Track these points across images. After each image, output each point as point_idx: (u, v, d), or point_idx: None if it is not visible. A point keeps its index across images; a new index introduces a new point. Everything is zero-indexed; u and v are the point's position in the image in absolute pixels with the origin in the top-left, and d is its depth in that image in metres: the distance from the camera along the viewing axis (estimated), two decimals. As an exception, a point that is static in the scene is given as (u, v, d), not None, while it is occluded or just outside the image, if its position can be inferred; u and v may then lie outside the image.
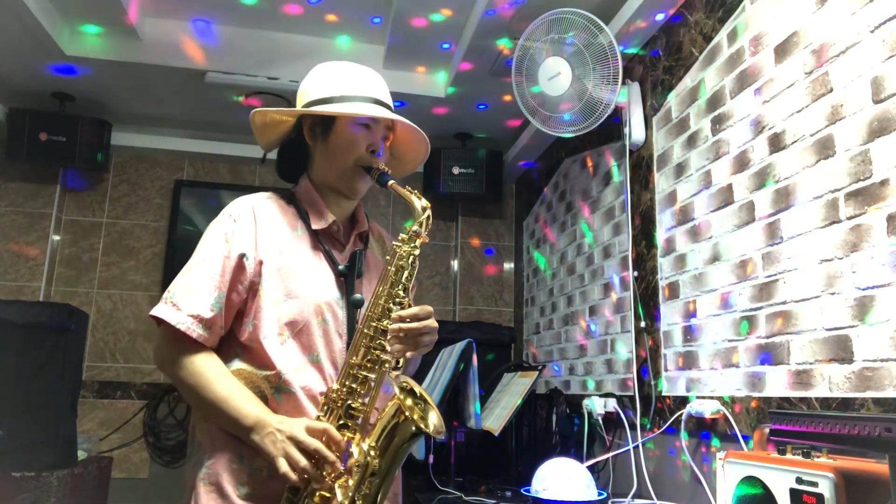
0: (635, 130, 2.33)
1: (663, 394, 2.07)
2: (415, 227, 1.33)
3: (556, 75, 2.23)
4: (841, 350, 1.38)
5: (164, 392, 3.54)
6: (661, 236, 2.18)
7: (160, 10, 2.80)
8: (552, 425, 2.60)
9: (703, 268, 1.92)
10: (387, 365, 1.26)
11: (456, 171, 3.58)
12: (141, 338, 3.60)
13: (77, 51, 2.80)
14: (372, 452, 1.21)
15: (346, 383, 1.25)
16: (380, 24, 2.84)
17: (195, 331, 1.26)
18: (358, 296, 1.37)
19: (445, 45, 2.84)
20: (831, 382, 1.40)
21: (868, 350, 1.31)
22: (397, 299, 1.29)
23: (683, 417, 1.87)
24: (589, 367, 2.68)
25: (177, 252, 3.64)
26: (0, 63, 2.91)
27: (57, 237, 3.59)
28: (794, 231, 1.55)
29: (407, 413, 1.20)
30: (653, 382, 2.13)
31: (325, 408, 1.26)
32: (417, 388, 1.24)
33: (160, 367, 1.35)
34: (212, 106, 3.30)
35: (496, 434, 2.35)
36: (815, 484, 1.06)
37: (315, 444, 1.17)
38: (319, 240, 1.40)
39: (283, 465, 1.16)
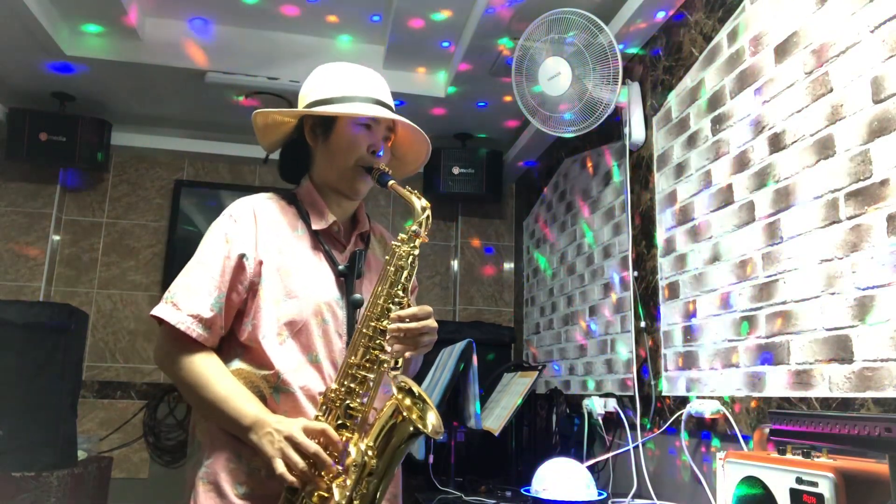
0: (635, 130, 2.33)
1: (663, 394, 2.07)
2: (414, 227, 1.33)
3: (556, 75, 2.23)
4: (841, 350, 1.38)
5: (164, 392, 3.54)
6: (661, 236, 2.18)
7: (160, 10, 2.80)
8: (552, 425, 2.60)
9: (703, 268, 1.92)
10: (385, 365, 1.26)
11: (456, 171, 3.58)
12: (141, 338, 3.60)
13: (77, 51, 2.80)
14: (370, 452, 1.21)
15: (345, 383, 1.26)
16: (379, 23, 2.84)
17: (195, 330, 1.27)
18: (358, 296, 1.37)
19: (445, 45, 2.84)
20: (831, 382, 1.40)
21: (868, 350, 1.31)
22: (396, 299, 1.29)
23: (683, 417, 1.87)
24: (589, 367, 2.68)
25: (177, 252, 3.64)
26: (0, 63, 2.91)
27: (57, 237, 3.59)
28: (794, 231, 1.55)
29: (405, 413, 1.20)
30: (653, 382, 2.13)
31: (324, 407, 1.26)
32: (416, 388, 1.24)
33: (160, 366, 1.35)
34: (212, 106, 3.30)
35: (496, 434, 2.35)
36: (815, 484, 1.06)
37: (312, 446, 1.17)
38: (320, 240, 1.40)
39: (280, 466, 1.16)
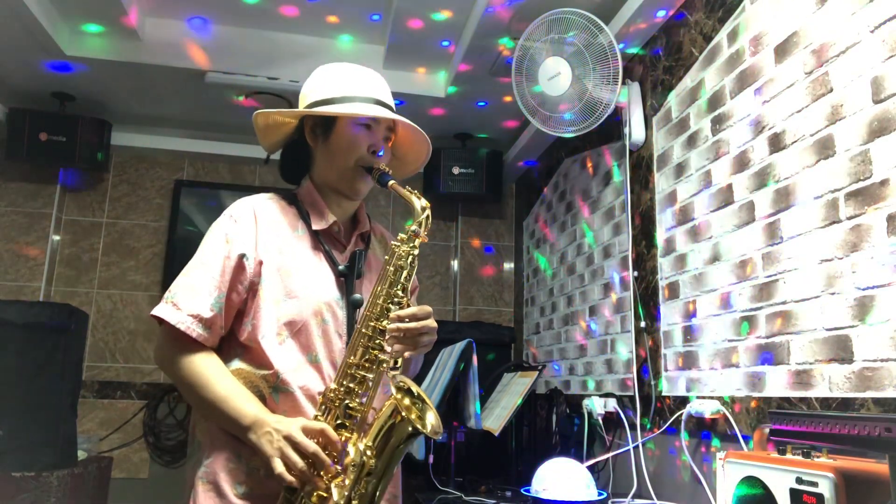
0: (635, 130, 2.33)
1: (663, 394, 2.07)
2: (414, 227, 1.33)
3: (556, 75, 2.23)
4: (841, 350, 1.38)
5: (164, 392, 3.54)
6: (661, 236, 2.18)
7: (160, 10, 2.80)
8: (552, 425, 2.60)
9: (703, 268, 1.92)
10: (385, 365, 1.26)
11: (456, 171, 3.58)
12: (141, 338, 3.60)
13: (77, 51, 2.80)
14: (368, 452, 1.21)
15: (344, 383, 1.26)
16: (379, 23, 2.83)
17: (195, 330, 1.27)
18: (357, 296, 1.37)
19: (445, 45, 2.84)
20: (831, 382, 1.40)
21: (868, 350, 1.31)
22: (396, 299, 1.29)
23: (683, 417, 1.87)
24: (589, 367, 2.68)
25: (177, 252, 3.64)
26: (0, 63, 2.91)
27: (57, 237, 3.59)
28: (794, 231, 1.55)
29: (403, 413, 1.20)
30: (653, 382, 2.13)
31: (323, 407, 1.26)
32: (415, 388, 1.24)
33: (161, 366, 1.35)
34: (212, 106, 3.30)
35: (496, 434, 2.35)
36: (815, 484, 1.06)
37: (311, 445, 1.17)
38: (320, 240, 1.41)
39: (279, 466, 1.16)
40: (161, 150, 3.74)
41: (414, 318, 1.26)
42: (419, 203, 1.34)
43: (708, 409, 1.77)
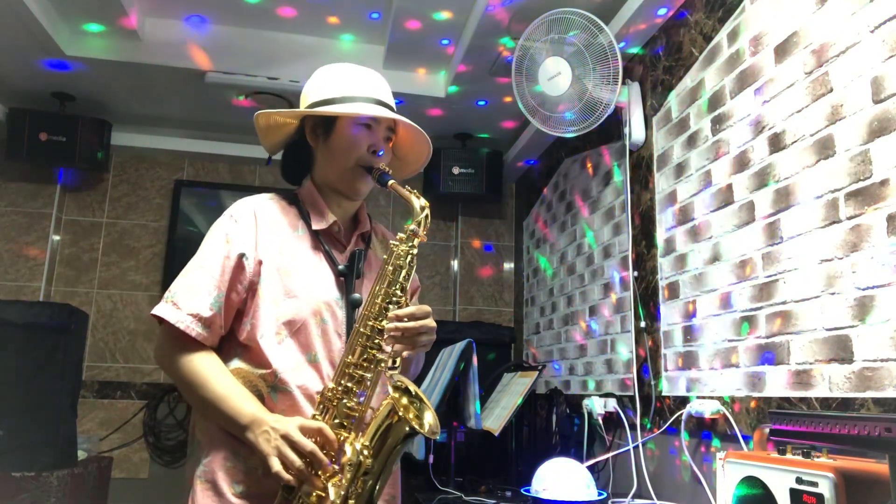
0: (635, 130, 2.33)
1: (663, 394, 2.07)
2: (412, 227, 1.33)
3: (556, 75, 2.23)
4: (841, 350, 1.38)
5: (164, 392, 3.54)
6: (661, 236, 2.18)
7: (160, 10, 2.80)
8: (552, 425, 2.60)
9: (703, 268, 1.92)
10: (383, 364, 1.26)
11: (456, 171, 3.58)
12: (141, 338, 3.60)
13: (77, 51, 2.80)
14: (365, 452, 1.21)
15: (342, 382, 1.26)
16: (379, 21, 2.83)
17: (194, 329, 1.27)
18: (357, 295, 1.37)
19: (445, 45, 2.84)
20: (831, 382, 1.40)
21: (868, 350, 1.31)
22: (394, 298, 1.29)
23: (683, 417, 1.87)
24: (589, 367, 2.68)
25: (177, 252, 3.64)
26: (0, 63, 2.91)
27: (57, 237, 3.59)
28: (794, 231, 1.55)
29: (401, 413, 1.20)
30: (653, 382, 2.13)
31: (321, 407, 1.26)
32: (412, 387, 1.24)
33: (160, 365, 1.36)
34: (212, 106, 3.30)
35: (496, 434, 2.35)
36: (815, 484, 1.06)
37: (309, 444, 1.17)
38: (320, 240, 1.41)
39: (276, 464, 1.16)
40: (161, 150, 3.74)
41: (412, 317, 1.26)
42: (418, 202, 1.34)
43: (708, 409, 1.77)
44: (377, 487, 1.23)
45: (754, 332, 1.67)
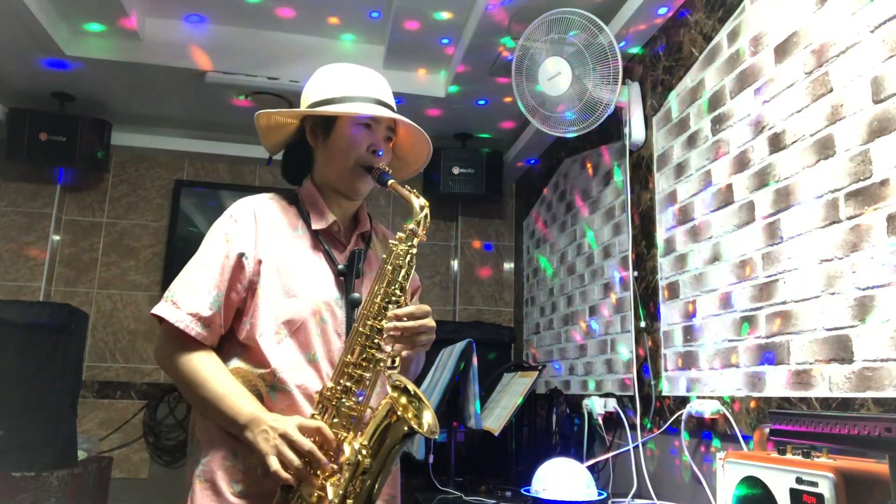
0: (635, 130, 2.33)
1: (663, 394, 2.07)
2: (411, 226, 1.33)
3: (556, 75, 2.23)
4: (841, 350, 1.38)
5: (164, 392, 3.54)
6: (661, 236, 2.18)
7: (160, 10, 2.80)
8: (552, 425, 2.60)
9: (703, 268, 1.92)
10: (382, 364, 1.26)
11: (456, 171, 3.58)
12: (141, 338, 3.60)
13: (77, 51, 2.80)
14: (363, 451, 1.21)
15: (341, 382, 1.26)
16: (379, 19, 2.83)
17: (194, 329, 1.27)
18: (356, 295, 1.37)
19: (445, 46, 2.84)
20: (831, 382, 1.40)
21: (868, 350, 1.31)
22: (394, 298, 1.29)
23: (683, 417, 1.87)
24: (589, 367, 2.68)
25: (177, 252, 3.64)
26: (0, 63, 2.91)
27: (57, 237, 3.59)
28: (794, 231, 1.55)
29: (399, 412, 1.20)
30: (653, 382, 2.13)
31: (320, 406, 1.26)
32: (411, 386, 1.24)
33: (160, 364, 1.36)
34: (212, 106, 3.30)
35: (496, 434, 2.35)
36: (815, 484, 1.06)
37: (307, 443, 1.17)
38: (320, 240, 1.41)
39: (274, 463, 1.16)
40: (161, 150, 3.74)
41: (412, 316, 1.26)
42: (418, 202, 1.34)
43: (708, 409, 1.77)
44: (376, 487, 1.23)
45: (754, 332, 1.67)
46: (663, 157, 2.20)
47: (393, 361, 1.26)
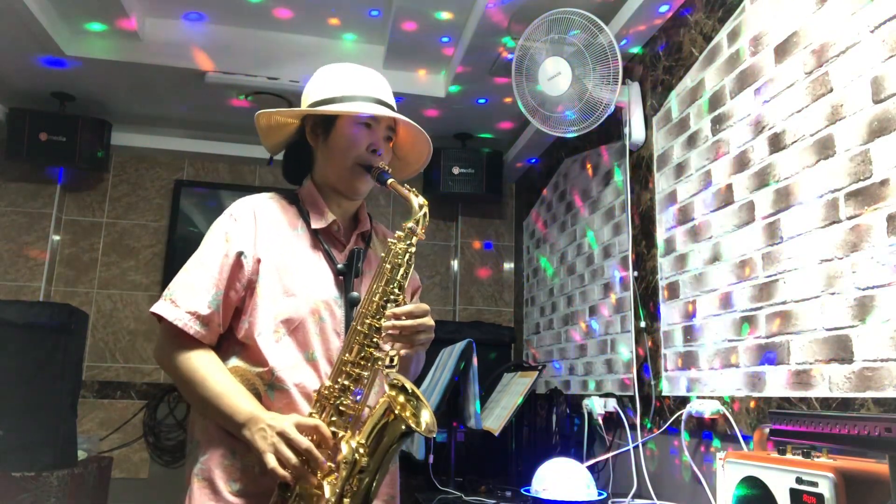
0: (635, 130, 2.33)
1: (663, 394, 2.07)
2: (410, 225, 1.33)
3: (556, 75, 2.23)
4: (841, 350, 1.38)
5: (164, 392, 3.54)
6: (661, 236, 2.18)
7: (160, 10, 2.80)
8: (552, 425, 2.60)
9: (703, 268, 1.92)
10: (380, 363, 1.26)
11: (456, 171, 3.58)
12: (141, 338, 3.60)
13: (77, 51, 2.80)
14: (361, 450, 1.21)
15: (339, 380, 1.26)
16: (378, 19, 2.82)
17: (192, 327, 1.27)
18: (355, 294, 1.37)
19: (445, 46, 2.84)
20: (831, 382, 1.40)
21: (868, 350, 1.31)
22: (392, 296, 1.29)
23: (683, 417, 1.87)
24: (589, 367, 2.68)
25: (177, 252, 3.64)
26: (0, 63, 2.91)
27: (57, 237, 3.59)
28: (794, 231, 1.55)
29: (397, 411, 1.20)
30: (653, 382, 2.13)
31: (318, 405, 1.26)
32: (409, 385, 1.24)
33: (159, 363, 1.36)
34: (212, 106, 3.30)
35: (496, 434, 2.35)
36: (815, 484, 1.06)
37: (305, 442, 1.17)
38: (319, 239, 1.41)
39: (272, 461, 1.16)
40: (161, 150, 3.74)
41: (410, 315, 1.26)
42: (417, 201, 1.34)
43: (708, 409, 1.77)
44: (373, 486, 1.23)
45: (754, 332, 1.67)
46: (663, 157, 2.20)
47: (391, 360, 1.25)
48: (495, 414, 2.50)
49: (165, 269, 3.65)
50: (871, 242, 1.33)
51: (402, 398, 1.23)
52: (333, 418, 1.24)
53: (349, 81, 1.42)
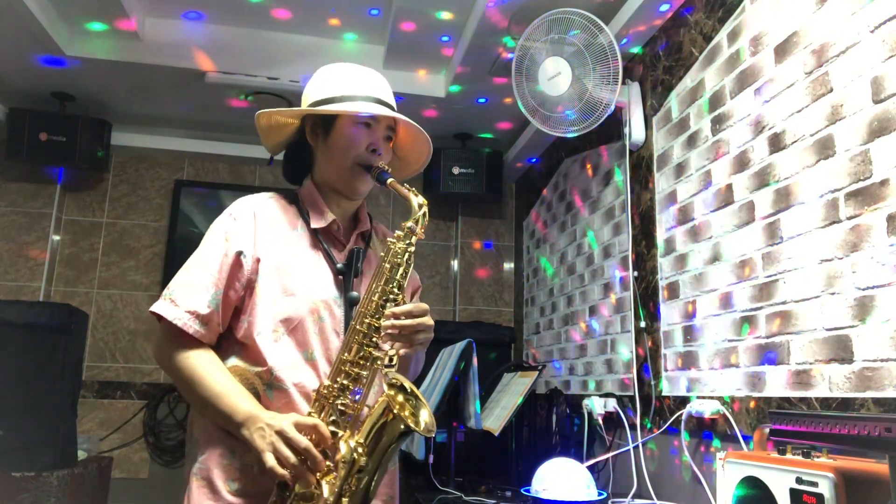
0: (635, 130, 2.33)
1: (663, 394, 2.07)
2: (410, 224, 1.33)
3: (556, 75, 2.23)
4: (841, 350, 1.38)
5: (164, 392, 3.54)
6: (661, 236, 2.18)
7: (160, 10, 2.80)
8: (552, 425, 2.60)
9: (703, 268, 1.92)
10: (379, 362, 1.26)
11: (456, 171, 3.58)
12: (141, 338, 3.60)
13: (77, 51, 2.80)
14: (359, 449, 1.21)
15: (338, 380, 1.26)
16: (378, 17, 2.82)
17: (192, 327, 1.27)
18: (355, 294, 1.37)
19: (445, 46, 2.84)
20: (831, 382, 1.40)
21: (868, 350, 1.31)
22: (391, 296, 1.29)
23: (683, 417, 1.87)
24: (589, 367, 2.68)
25: (177, 252, 3.64)
26: (0, 63, 2.91)
27: (57, 237, 3.59)
28: (794, 231, 1.55)
29: (396, 410, 1.20)
30: (653, 382, 2.13)
31: (317, 404, 1.26)
32: (408, 385, 1.24)
33: (159, 362, 1.36)
34: (212, 106, 3.30)
35: (496, 434, 2.35)
36: (815, 484, 1.06)
37: (303, 441, 1.17)
38: (319, 239, 1.41)
39: (270, 460, 1.16)
40: (161, 150, 3.74)
41: (409, 315, 1.26)
42: (416, 200, 1.34)
43: (708, 409, 1.77)
44: (372, 485, 1.23)
45: (754, 332, 1.67)
46: (663, 157, 2.20)
47: (390, 360, 1.25)
48: (495, 414, 2.50)
49: (165, 269, 3.65)
50: (871, 242, 1.33)
51: (400, 397, 1.23)
52: (332, 418, 1.24)
53: (349, 81, 1.42)
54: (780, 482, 1.13)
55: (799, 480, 1.09)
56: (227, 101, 3.23)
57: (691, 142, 2.03)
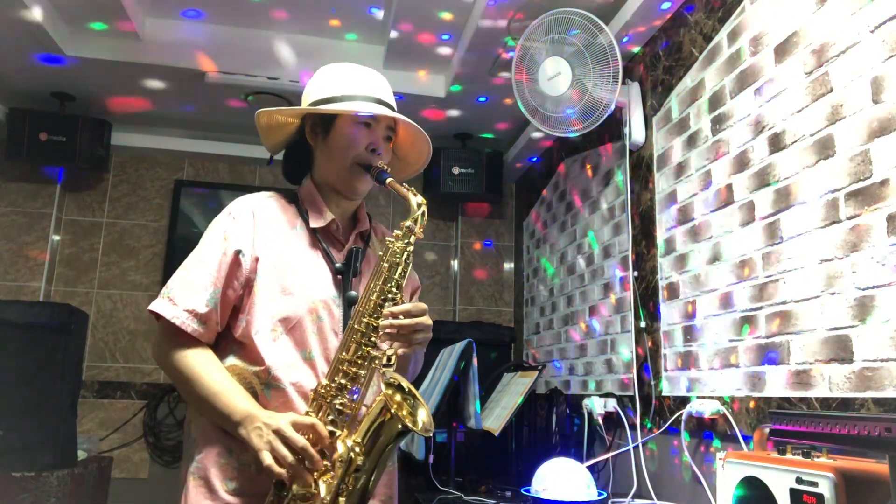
0: (635, 130, 2.32)
1: (663, 394, 2.07)
2: (408, 223, 1.33)
3: (556, 75, 2.23)
4: (841, 350, 1.38)
5: (164, 392, 3.54)
6: (661, 236, 2.18)
7: (160, 10, 2.80)
8: (552, 425, 2.60)
9: (703, 268, 1.92)
10: (377, 361, 1.26)
11: (456, 171, 3.58)
12: (141, 338, 3.60)
13: (77, 50, 2.80)
14: (357, 449, 1.21)
15: (336, 379, 1.25)
16: (379, 18, 2.82)
17: (190, 325, 1.27)
18: (353, 293, 1.37)
19: (445, 46, 2.84)
20: (831, 382, 1.40)
21: (868, 350, 1.31)
22: (389, 295, 1.29)
23: (683, 417, 1.87)
24: (589, 367, 2.68)
25: (177, 252, 3.64)
26: (0, 63, 2.91)
27: (57, 237, 3.59)
28: (794, 231, 1.55)
29: (394, 410, 1.20)
30: (653, 382, 2.13)
31: (315, 403, 1.26)
32: (405, 384, 1.24)
33: (157, 361, 1.36)
34: (212, 106, 3.30)
35: (496, 434, 2.35)
36: (815, 484, 1.05)
37: (301, 440, 1.17)
38: (318, 238, 1.41)
39: (268, 458, 1.16)
40: (161, 150, 3.74)
41: (408, 314, 1.26)
42: (415, 199, 1.34)
43: (708, 409, 1.77)
44: (370, 485, 1.23)
45: (754, 332, 1.67)
46: (663, 157, 2.20)
47: (389, 359, 1.25)
48: (495, 414, 2.50)
49: (165, 269, 3.65)
50: (871, 242, 1.33)
51: (398, 397, 1.23)
52: (330, 417, 1.24)
53: (349, 81, 1.43)
54: (780, 482, 1.13)
55: (799, 480, 1.09)
56: (227, 101, 3.23)
57: (691, 142, 2.03)
